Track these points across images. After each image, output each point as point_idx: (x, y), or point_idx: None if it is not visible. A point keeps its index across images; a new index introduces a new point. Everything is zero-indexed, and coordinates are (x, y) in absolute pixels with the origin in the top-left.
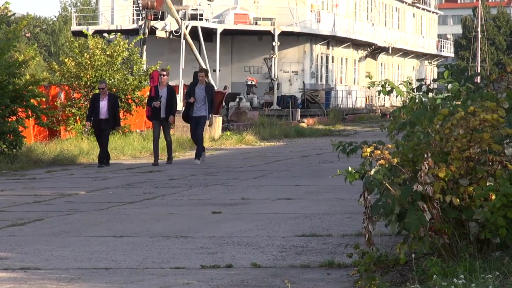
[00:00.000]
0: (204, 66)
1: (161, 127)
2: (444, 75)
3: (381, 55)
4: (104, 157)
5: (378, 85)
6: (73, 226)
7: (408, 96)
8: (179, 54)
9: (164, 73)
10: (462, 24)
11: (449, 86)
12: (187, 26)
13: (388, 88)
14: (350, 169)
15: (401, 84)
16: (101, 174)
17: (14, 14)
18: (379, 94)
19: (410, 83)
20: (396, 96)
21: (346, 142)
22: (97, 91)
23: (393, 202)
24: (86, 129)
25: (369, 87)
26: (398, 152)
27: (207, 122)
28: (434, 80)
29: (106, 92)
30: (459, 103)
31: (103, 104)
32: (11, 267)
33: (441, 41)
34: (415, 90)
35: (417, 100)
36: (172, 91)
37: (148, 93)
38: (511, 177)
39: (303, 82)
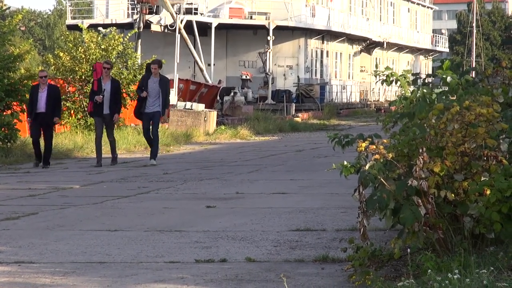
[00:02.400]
0: (200, 62)
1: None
2: (443, 66)
3: (375, 50)
4: (48, 156)
5: (382, 75)
6: (67, 220)
7: (410, 89)
8: (174, 48)
9: (108, 66)
10: (457, 19)
11: (448, 78)
12: (182, 20)
13: (392, 79)
14: (345, 163)
15: (401, 75)
16: (96, 168)
17: (9, 7)
18: (382, 84)
19: (406, 77)
20: (399, 87)
21: (342, 134)
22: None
23: (388, 196)
24: (30, 126)
25: (375, 76)
26: (393, 147)
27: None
28: (429, 75)
29: (46, 82)
30: (454, 98)
31: (42, 96)
32: (5, 261)
33: (435, 36)
34: (412, 83)
35: (418, 94)
36: (117, 85)
37: (91, 86)
38: (506, 172)
39: (298, 76)
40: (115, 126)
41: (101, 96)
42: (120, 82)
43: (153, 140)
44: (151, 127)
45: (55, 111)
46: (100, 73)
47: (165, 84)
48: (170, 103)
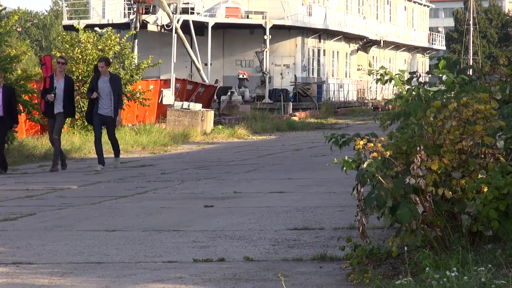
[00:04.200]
0: (197, 62)
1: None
2: (439, 65)
3: (372, 48)
4: (2, 162)
5: (377, 73)
6: (65, 221)
7: (405, 87)
8: (170, 48)
9: (62, 61)
10: (454, 17)
11: (444, 77)
12: (178, 20)
13: (387, 78)
14: (346, 158)
15: (397, 75)
16: (93, 169)
17: (5, 8)
18: (377, 83)
19: (403, 76)
20: (394, 86)
21: (338, 134)
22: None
23: (386, 194)
24: None
25: (369, 74)
26: (391, 145)
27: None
28: (427, 73)
29: (1, 84)
30: (452, 94)
31: None
32: (3, 261)
33: (432, 34)
34: (406, 82)
35: (413, 92)
36: (70, 83)
37: (43, 84)
38: (503, 170)
39: (295, 75)
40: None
41: (53, 95)
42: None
43: (112, 145)
44: (107, 134)
45: (13, 116)
46: (51, 68)
47: (116, 83)
48: (167, 103)
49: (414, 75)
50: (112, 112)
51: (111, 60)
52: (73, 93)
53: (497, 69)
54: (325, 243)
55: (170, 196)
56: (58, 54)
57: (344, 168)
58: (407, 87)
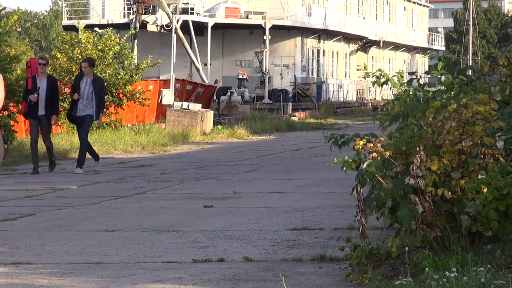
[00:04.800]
0: (196, 62)
1: (40, 127)
2: (437, 67)
3: (372, 49)
4: None
5: (372, 76)
6: (65, 221)
7: (402, 89)
8: (170, 48)
9: (43, 61)
10: (453, 17)
11: (442, 78)
12: (178, 20)
13: (383, 80)
14: (346, 158)
15: (394, 76)
16: (92, 169)
17: (4, 8)
18: (373, 85)
19: (402, 76)
20: (391, 88)
21: (338, 134)
22: None
23: (386, 195)
24: None
25: (364, 77)
26: (391, 145)
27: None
28: (426, 73)
29: None
30: (452, 94)
31: None
32: (2, 262)
33: (432, 34)
34: (406, 84)
35: (411, 93)
36: (53, 83)
37: (25, 85)
38: (503, 170)
39: (294, 75)
40: (52, 129)
41: (36, 95)
42: (119, 82)
43: (79, 145)
44: (80, 130)
45: None
46: (36, 70)
47: (99, 85)
48: (167, 103)
49: (414, 77)
50: (92, 111)
51: (97, 60)
52: (57, 93)
53: (497, 69)
54: (325, 244)
55: (169, 196)
56: (59, 55)
57: (344, 168)
58: (405, 88)
